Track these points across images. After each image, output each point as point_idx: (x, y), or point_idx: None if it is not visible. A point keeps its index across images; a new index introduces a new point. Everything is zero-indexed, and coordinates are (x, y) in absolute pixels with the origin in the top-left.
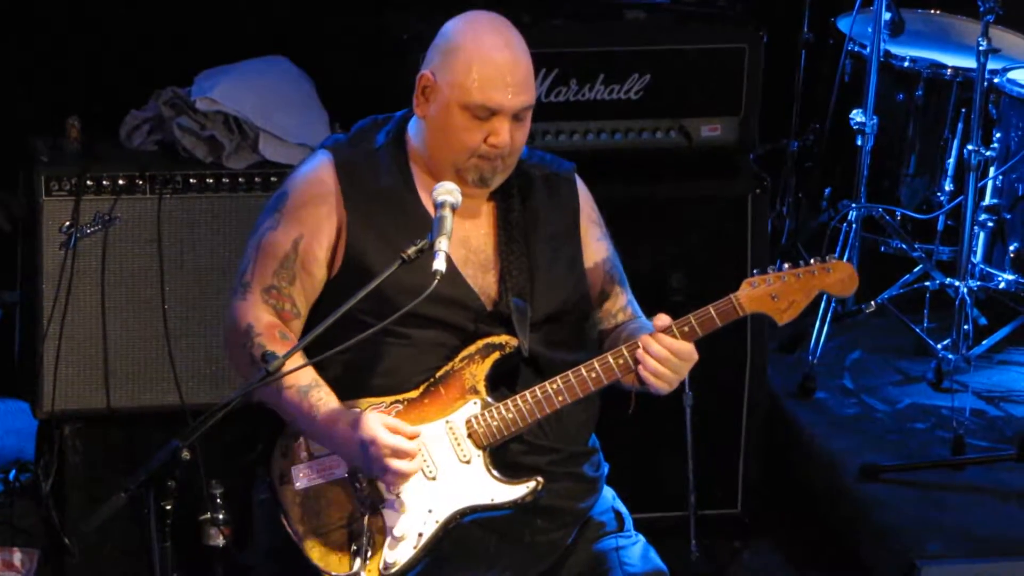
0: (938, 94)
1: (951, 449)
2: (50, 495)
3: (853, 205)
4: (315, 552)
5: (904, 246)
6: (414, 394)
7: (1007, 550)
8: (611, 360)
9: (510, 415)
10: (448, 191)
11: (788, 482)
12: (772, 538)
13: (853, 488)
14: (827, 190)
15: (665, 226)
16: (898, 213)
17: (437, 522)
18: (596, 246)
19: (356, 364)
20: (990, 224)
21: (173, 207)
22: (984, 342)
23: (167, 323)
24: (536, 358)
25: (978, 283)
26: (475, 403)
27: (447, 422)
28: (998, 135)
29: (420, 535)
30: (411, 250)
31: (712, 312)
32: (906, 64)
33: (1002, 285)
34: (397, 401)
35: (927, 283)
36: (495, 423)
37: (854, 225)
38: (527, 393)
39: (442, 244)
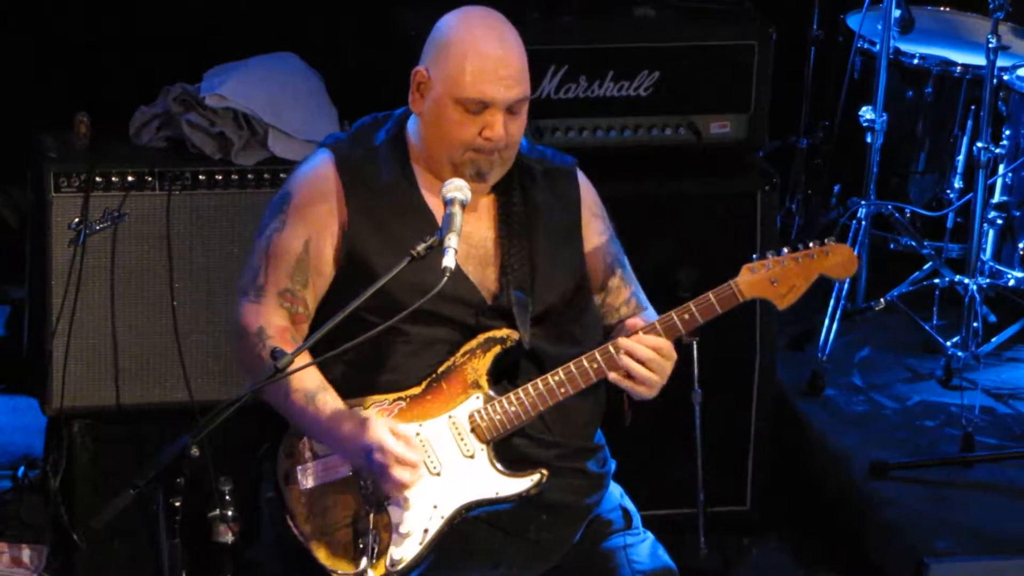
0: (948, 91)
1: (960, 446)
2: (59, 491)
3: (862, 202)
4: (322, 551)
5: (913, 243)
6: (416, 390)
7: (1016, 548)
8: (612, 349)
9: (513, 408)
10: (458, 188)
11: (797, 479)
12: (781, 535)
13: (862, 485)
14: (836, 187)
15: (674, 223)
16: (907, 210)
17: (443, 517)
18: (598, 240)
19: (358, 362)
20: (999, 221)
21: (182, 203)
22: (993, 339)
23: (176, 320)
24: (537, 351)
25: (987, 280)
26: (477, 397)
27: (450, 417)
28: (1007, 132)
29: (426, 531)
30: (420, 247)
31: (712, 298)
32: (916, 61)
33: (1011, 282)
34: (400, 398)
35: (936, 280)
36: (498, 417)
37: (863, 222)
38: (529, 386)
39: (452, 241)
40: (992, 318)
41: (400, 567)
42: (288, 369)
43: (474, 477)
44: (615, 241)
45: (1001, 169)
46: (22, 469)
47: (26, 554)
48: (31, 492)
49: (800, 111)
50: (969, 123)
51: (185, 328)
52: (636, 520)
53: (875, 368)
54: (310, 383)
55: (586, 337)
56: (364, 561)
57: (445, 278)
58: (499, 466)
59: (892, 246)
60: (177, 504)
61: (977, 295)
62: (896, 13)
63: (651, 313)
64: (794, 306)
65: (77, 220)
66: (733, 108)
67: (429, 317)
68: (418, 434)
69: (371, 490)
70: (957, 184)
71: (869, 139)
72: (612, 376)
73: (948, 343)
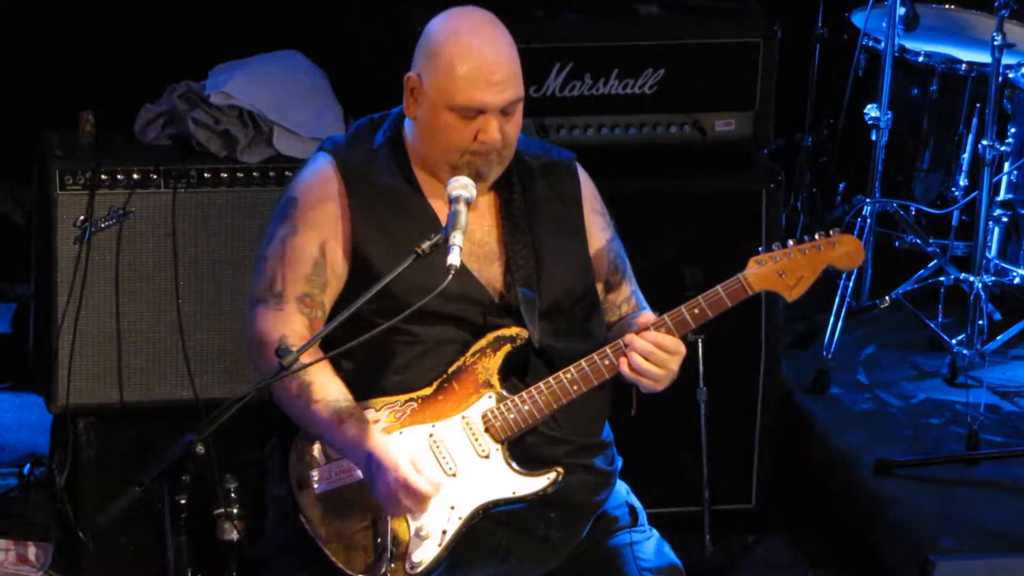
0: (953, 89)
1: (966, 444)
2: (64, 489)
3: (867, 200)
4: (340, 555)
5: (918, 241)
6: (428, 391)
7: (1022, 545)
8: (623, 345)
9: (526, 407)
10: (463, 186)
11: (802, 477)
12: (786, 533)
13: (867, 483)
14: (841, 185)
15: (679, 221)
16: (912, 208)
17: (460, 518)
18: (600, 236)
19: (368, 364)
20: (1005, 219)
21: (187, 201)
22: (999, 337)
23: (181, 317)
24: (547, 349)
25: (993, 278)
26: (490, 397)
27: (463, 418)
28: (1013, 130)
29: (444, 532)
30: (425, 245)
31: (721, 292)
32: (920, 59)
33: (1017, 280)
34: (411, 399)
35: (941, 278)
36: (512, 416)
37: (868, 220)
38: (542, 384)
39: (457, 239)
40: (997, 316)
41: (420, 569)
42: (292, 367)
43: (490, 477)
44: (616, 238)
45: (1006, 167)
46: (28, 467)
47: (32, 551)
48: (37, 490)
49: (805, 109)
50: (974, 121)
51: (190, 326)
52: (642, 517)
53: (880, 366)
54: (331, 394)
55: (596, 332)
56: (383, 564)
57: (450, 275)
58: (515, 465)
59: (897, 244)
60: (182, 502)
61: (982, 293)
62: (901, 11)
63: (649, 314)
64: (799, 304)
65: (82, 218)
66: (738, 106)
67: (437, 317)
68: (431, 435)
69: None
70: (962, 182)
71: (874, 137)
72: (622, 369)
73: (953, 341)
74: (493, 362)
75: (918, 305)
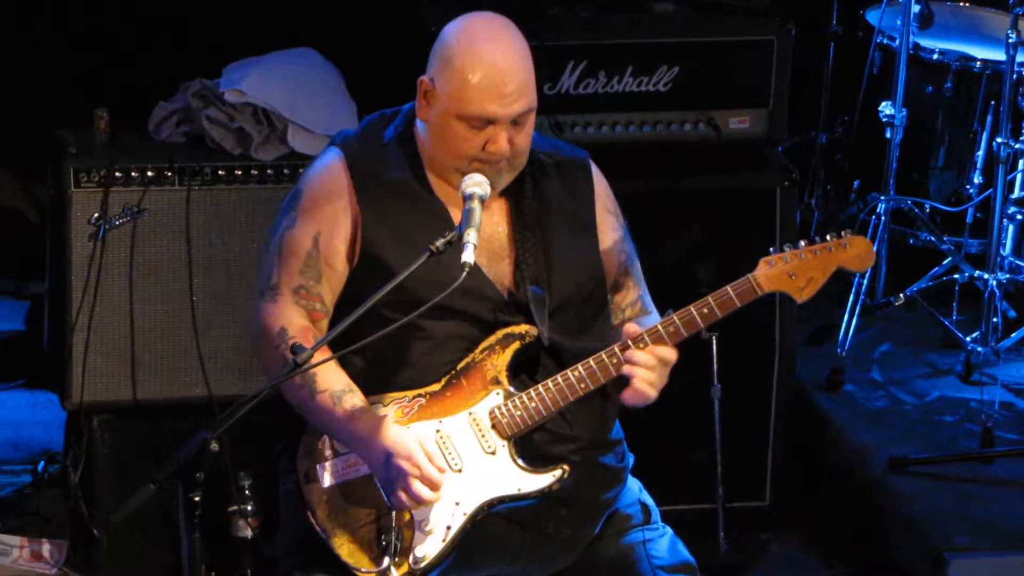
0: (967, 86)
1: (980, 442)
2: (78, 486)
3: (882, 198)
4: (344, 549)
5: (933, 239)
6: (436, 387)
7: None
8: (632, 345)
9: (533, 404)
10: (477, 183)
11: (816, 474)
12: (800, 530)
13: (881, 480)
14: (856, 182)
15: (693, 218)
16: (927, 206)
17: (465, 514)
18: (611, 235)
19: (377, 359)
20: (1019, 217)
21: (201, 199)
22: (1013, 335)
23: (195, 315)
24: (556, 346)
25: (1007, 276)
26: (497, 393)
27: (470, 414)
28: None
29: (448, 528)
30: (439, 242)
31: (730, 292)
32: (935, 56)
33: None
34: (419, 395)
35: (956, 276)
36: (519, 413)
37: (883, 218)
38: (549, 382)
39: (471, 236)
40: (1012, 313)
41: (423, 564)
42: (306, 364)
43: (496, 474)
44: (628, 239)
45: (1021, 164)
46: (42, 464)
47: (46, 549)
48: (51, 487)
49: (819, 106)
50: (988, 118)
51: (204, 323)
52: (655, 515)
53: (894, 364)
54: (336, 384)
55: (604, 332)
56: (387, 559)
57: (464, 273)
58: (521, 462)
59: (911, 241)
60: (196, 499)
61: (997, 290)
62: (915, 8)
63: (654, 318)
64: (813, 301)
65: (97, 215)
66: (752, 103)
67: (447, 312)
68: (439, 431)
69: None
70: (976, 179)
71: (888, 134)
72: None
73: (968, 338)
74: (502, 359)
75: (932, 302)
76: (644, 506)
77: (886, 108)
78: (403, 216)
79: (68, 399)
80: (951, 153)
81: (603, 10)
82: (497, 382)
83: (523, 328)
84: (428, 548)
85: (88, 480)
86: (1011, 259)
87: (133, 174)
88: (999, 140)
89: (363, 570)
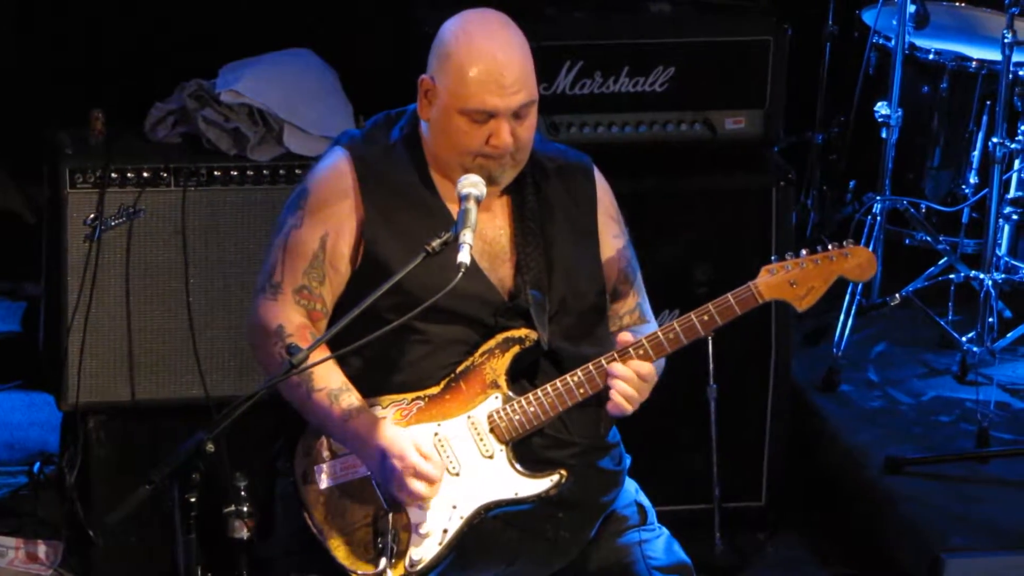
0: (963, 87)
1: (976, 442)
2: (74, 487)
3: (878, 198)
4: (340, 551)
5: (929, 239)
6: (435, 390)
7: None
8: (631, 351)
9: (532, 409)
10: (473, 183)
11: (812, 475)
12: (796, 531)
13: (877, 481)
14: (852, 183)
15: (689, 218)
16: (923, 206)
17: (462, 518)
18: (613, 243)
19: (376, 362)
20: (1015, 217)
21: (198, 200)
22: (1009, 335)
23: (191, 316)
24: (556, 351)
25: (1003, 275)
26: (496, 398)
27: (469, 417)
28: (1023, 127)
29: (445, 531)
30: (435, 243)
31: (731, 300)
32: (931, 57)
33: None
34: (418, 398)
35: (952, 276)
36: (517, 417)
37: (879, 218)
38: (548, 386)
39: (467, 237)
40: (1008, 313)
41: (420, 567)
42: (302, 365)
43: (494, 478)
44: (630, 247)
45: (1016, 164)
46: (38, 465)
47: (42, 550)
48: (47, 488)
49: (815, 107)
50: (984, 118)
51: (200, 324)
52: (651, 516)
53: (890, 364)
54: (334, 383)
55: (604, 337)
56: (383, 561)
57: (460, 273)
58: (518, 467)
59: (907, 241)
60: (192, 500)
61: (992, 290)
62: (911, 8)
63: (651, 327)
64: None
65: (93, 216)
66: (748, 104)
67: (447, 315)
68: (437, 434)
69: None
70: (972, 179)
71: (884, 134)
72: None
73: (963, 339)
74: (501, 363)
75: (928, 303)
76: (640, 507)
77: (882, 108)
78: (407, 218)
79: (64, 400)
80: (947, 153)
81: (599, 10)
82: (496, 386)
83: (523, 332)
84: (425, 551)
85: (84, 481)
86: (1007, 259)
87: (129, 175)
88: (995, 140)
89: (359, 572)
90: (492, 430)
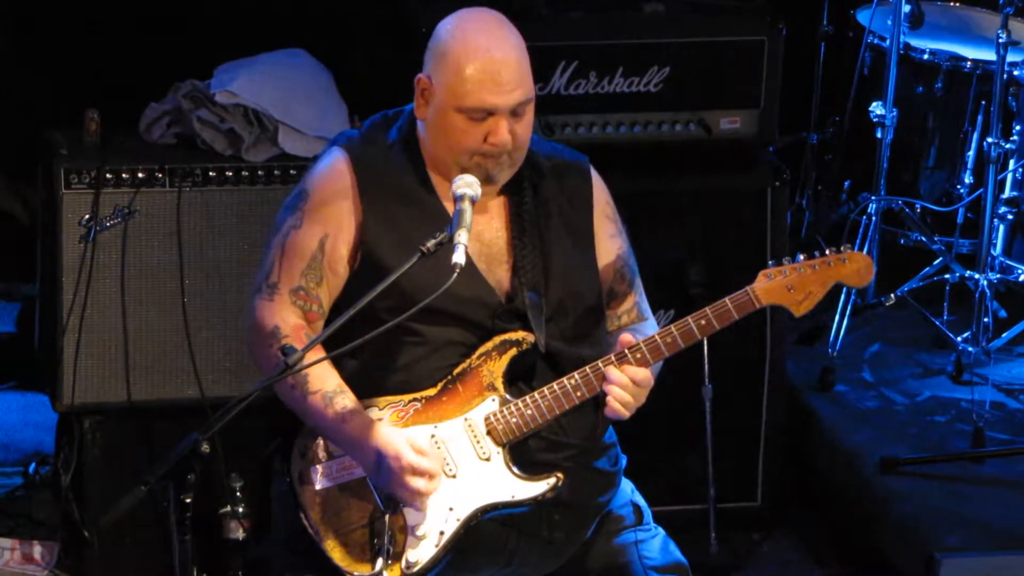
0: (958, 87)
1: (971, 442)
2: (70, 488)
3: (873, 198)
4: (336, 552)
5: (924, 239)
6: (432, 392)
7: None
8: (628, 355)
9: (529, 411)
10: (467, 184)
11: (808, 475)
12: (791, 531)
13: (873, 481)
14: (847, 183)
15: (684, 218)
16: (918, 206)
17: (458, 520)
18: (610, 243)
19: (373, 363)
20: (1010, 217)
21: (192, 200)
22: (1004, 335)
23: (187, 316)
24: (553, 354)
25: (998, 276)
26: (493, 400)
27: (466, 420)
28: (1018, 127)
29: (442, 533)
30: (430, 243)
31: (729, 305)
32: (926, 57)
33: (1022, 278)
34: (415, 399)
35: (947, 276)
36: (514, 420)
37: (874, 218)
38: (545, 389)
39: (461, 237)
40: (1003, 313)
41: (416, 569)
42: (297, 366)
43: (490, 480)
44: (627, 246)
45: (1011, 164)
46: (33, 465)
47: (37, 550)
48: (42, 489)
49: (810, 107)
50: (979, 118)
51: (196, 325)
52: (647, 516)
53: (885, 364)
54: (329, 385)
55: (601, 339)
56: (379, 562)
57: (455, 274)
58: (515, 469)
59: (902, 241)
60: (188, 500)
61: (987, 290)
62: (906, 8)
63: (651, 324)
64: None
65: (88, 217)
66: (743, 104)
67: (444, 317)
68: (433, 436)
69: (387, 491)
70: (967, 179)
71: (879, 134)
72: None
73: (959, 339)
74: (498, 365)
75: (923, 303)
76: (636, 507)
77: (877, 108)
78: (405, 219)
79: (59, 401)
80: (942, 153)
81: (594, 10)
82: (493, 388)
83: (520, 335)
84: (421, 553)
85: (79, 482)
86: (1002, 259)
87: (124, 175)
88: (990, 140)
89: (355, 573)
90: (489, 432)
